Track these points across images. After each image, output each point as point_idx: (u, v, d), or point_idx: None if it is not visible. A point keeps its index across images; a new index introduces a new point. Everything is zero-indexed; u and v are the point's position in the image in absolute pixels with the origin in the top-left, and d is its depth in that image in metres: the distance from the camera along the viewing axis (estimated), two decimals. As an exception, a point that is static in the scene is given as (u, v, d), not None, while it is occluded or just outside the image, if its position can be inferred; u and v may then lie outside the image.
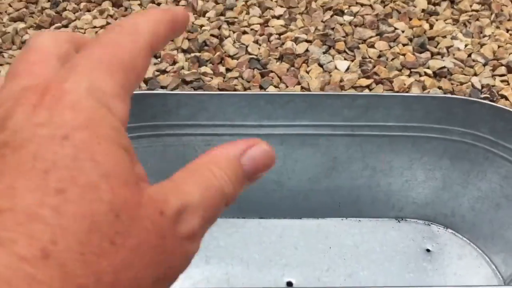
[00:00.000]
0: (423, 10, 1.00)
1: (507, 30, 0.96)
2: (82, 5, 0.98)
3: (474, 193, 0.57)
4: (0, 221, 0.14)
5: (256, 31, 0.94)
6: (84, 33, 0.92)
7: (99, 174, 0.16)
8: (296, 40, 0.92)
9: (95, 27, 0.93)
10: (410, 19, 0.98)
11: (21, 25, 0.93)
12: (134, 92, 0.52)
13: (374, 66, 0.87)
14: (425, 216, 0.60)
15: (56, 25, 0.93)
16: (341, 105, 0.53)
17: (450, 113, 0.53)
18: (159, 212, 0.17)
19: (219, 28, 0.94)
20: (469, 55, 0.90)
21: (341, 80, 0.84)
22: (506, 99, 0.83)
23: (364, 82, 0.85)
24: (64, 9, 0.97)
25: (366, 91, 0.83)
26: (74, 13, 0.97)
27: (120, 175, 0.16)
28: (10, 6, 0.97)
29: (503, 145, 0.52)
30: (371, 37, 0.93)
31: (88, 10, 0.98)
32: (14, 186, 0.15)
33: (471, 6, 1.01)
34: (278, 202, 0.60)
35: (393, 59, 0.89)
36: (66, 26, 0.93)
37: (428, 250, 0.59)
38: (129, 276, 0.15)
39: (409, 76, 0.87)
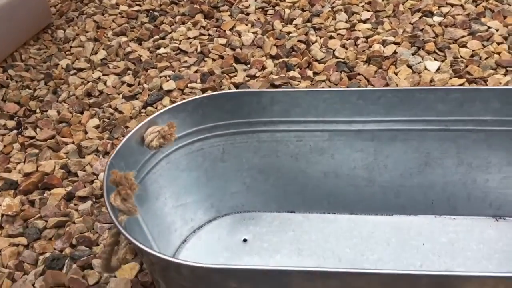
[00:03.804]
0: (518, 8, 0.96)
1: None
2: (177, 18, 1.05)
3: None
4: None
5: (343, 35, 0.96)
6: (180, 43, 0.98)
7: None
8: (383, 43, 0.92)
9: (189, 38, 1.00)
10: (505, 17, 0.94)
11: (123, 38, 1.01)
12: (230, 91, 0.56)
13: (466, 66, 0.85)
14: (526, 215, 0.58)
15: (155, 37, 1.01)
16: (434, 100, 0.52)
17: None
18: None
19: (306, 34, 0.96)
20: None
21: (431, 80, 0.83)
22: None
23: (456, 81, 0.83)
24: (162, 23, 1.05)
25: (458, 91, 0.81)
26: (170, 26, 1.04)
27: None
28: (114, 22, 1.06)
29: None
30: (462, 36, 0.91)
31: (183, 23, 1.05)
32: None
33: None
34: (369, 198, 0.60)
35: (487, 58, 0.86)
36: (163, 38, 1.01)
37: (530, 250, 0.56)
38: None
39: (505, 74, 0.83)
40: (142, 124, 0.49)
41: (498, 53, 0.87)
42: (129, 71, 0.94)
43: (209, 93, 0.53)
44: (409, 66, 0.87)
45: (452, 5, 0.98)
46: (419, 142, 0.55)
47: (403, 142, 0.56)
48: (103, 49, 0.99)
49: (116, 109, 0.85)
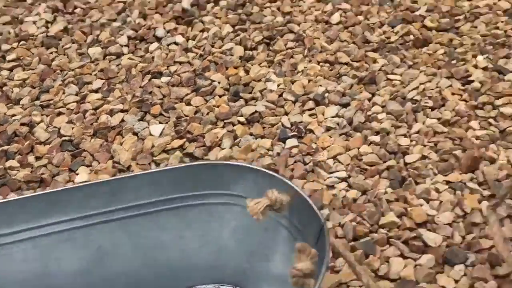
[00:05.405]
0: (240, 57, 1.01)
1: (318, 63, 0.99)
2: None
3: (247, 248, 0.57)
4: None
5: (72, 110, 0.92)
6: None
7: None
8: (111, 112, 0.91)
9: None
10: (227, 68, 1.00)
11: None
12: None
13: (188, 124, 0.87)
14: (214, 279, 0.59)
15: None
16: (84, 196, 0.51)
17: (199, 179, 0.53)
18: None
19: (31, 115, 0.91)
20: (281, 95, 0.92)
21: (153, 146, 0.84)
22: (313, 132, 0.85)
23: (177, 143, 0.84)
24: None
25: (178, 153, 0.83)
26: None
27: None
28: None
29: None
30: (187, 94, 0.94)
31: None
32: None
33: (285, 45, 1.03)
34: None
35: (208, 113, 0.90)
36: None
37: (220, 315, 0.58)
38: None
39: (222, 127, 0.87)
40: None
41: (218, 106, 0.91)
42: None
43: None
44: (135, 134, 0.87)
45: (180, 63, 1.01)
46: (86, 238, 0.54)
47: (70, 242, 0.53)
48: None
49: None
